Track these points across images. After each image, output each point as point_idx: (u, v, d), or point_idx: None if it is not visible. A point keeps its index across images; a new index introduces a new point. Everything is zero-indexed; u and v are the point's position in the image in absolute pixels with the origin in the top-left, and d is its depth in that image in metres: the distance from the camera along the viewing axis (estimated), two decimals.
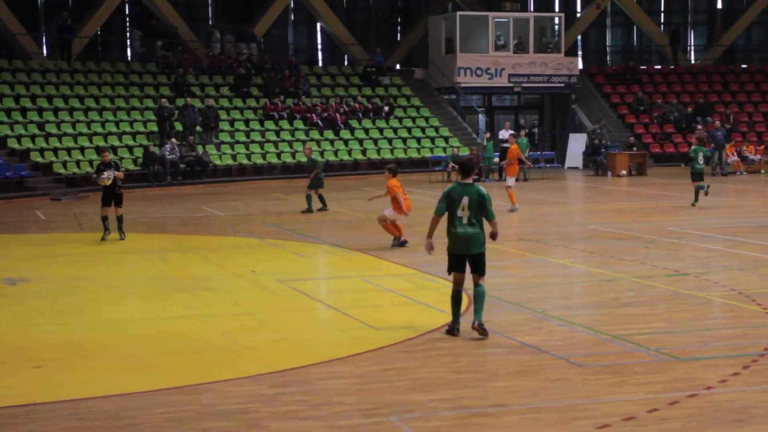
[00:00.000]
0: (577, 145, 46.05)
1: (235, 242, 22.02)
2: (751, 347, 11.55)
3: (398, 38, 52.49)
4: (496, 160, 40.18)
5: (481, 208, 12.07)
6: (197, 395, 9.89)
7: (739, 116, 48.78)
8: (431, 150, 43.40)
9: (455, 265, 12.26)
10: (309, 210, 27.29)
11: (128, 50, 47.10)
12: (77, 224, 25.97)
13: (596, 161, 42.11)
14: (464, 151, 41.02)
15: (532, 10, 52.54)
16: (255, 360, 11.36)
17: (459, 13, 47.73)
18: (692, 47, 56.88)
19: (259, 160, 40.55)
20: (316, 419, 9.09)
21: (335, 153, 42.04)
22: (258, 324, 13.39)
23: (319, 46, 52.34)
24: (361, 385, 10.21)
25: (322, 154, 41.44)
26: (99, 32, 45.41)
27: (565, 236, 22.07)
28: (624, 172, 40.81)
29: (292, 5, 50.46)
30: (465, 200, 12.01)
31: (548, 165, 43.45)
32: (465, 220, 12.03)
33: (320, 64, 50.70)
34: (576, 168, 45.33)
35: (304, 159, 40.56)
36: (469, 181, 12.23)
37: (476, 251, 12.11)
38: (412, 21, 52.04)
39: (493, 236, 12.44)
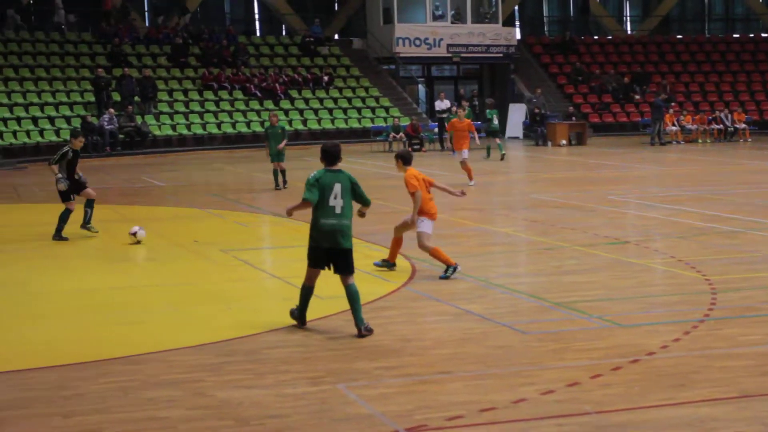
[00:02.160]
0: (517, 115, 46.28)
1: (177, 213, 21.88)
2: (691, 314, 11.70)
3: (336, 8, 52.27)
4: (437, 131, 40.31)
5: (356, 195, 11.07)
6: (142, 365, 9.83)
7: (676, 86, 49.27)
8: (372, 120, 43.38)
9: (316, 261, 11.05)
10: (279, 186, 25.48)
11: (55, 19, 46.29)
12: (16, 195, 25.65)
13: (537, 131, 42.32)
14: (405, 121, 41.05)
15: None
16: (199, 330, 11.31)
17: None
18: (628, 18, 57.28)
19: (199, 131, 40.30)
20: (262, 387, 9.09)
21: None
22: (202, 294, 13.34)
23: (257, 17, 51.99)
24: (307, 353, 10.22)
25: (262, 124, 41.31)
26: (31, 1, 44.67)
27: (508, 205, 22.20)
28: (564, 141, 41.10)
29: None
30: (337, 187, 10.89)
31: (482, 135, 43.49)
32: (338, 210, 10.89)
33: (258, 34, 50.37)
34: (516, 138, 45.55)
35: (244, 129, 40.60)
36: (336, 168, 11.04)
37: (346, 246, 10.96)
38: None
39: (361, 214, 11.52)
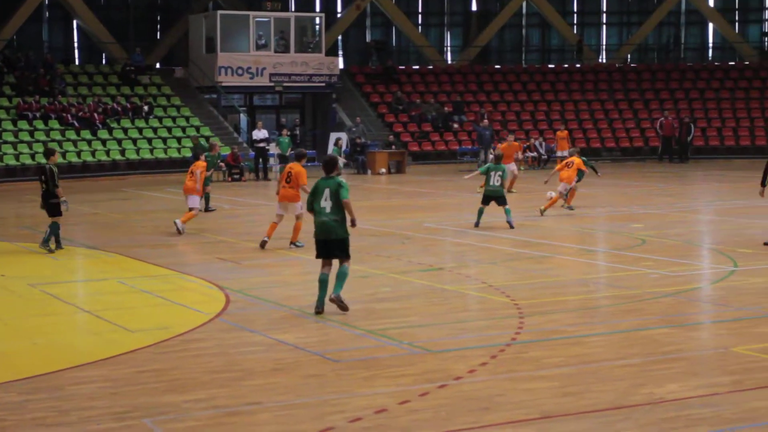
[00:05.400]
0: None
1: None
2: (499, 338, 11.97)
3: (158, 37, 51.73)
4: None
5: (339, 195, 13.31)
6: None
7: (493, 115, 50.36)
8: (191, 150, 42.91)
9: (319, 251, 13.53)
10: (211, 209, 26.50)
11: None
12: None
13: (357, 160, 42.65)
14: (225, 151, 40.78)
15: (293, 10, 52.72)
16: (2, 367, 10.98)
17: (219, 12, 47.43)
18: (449, 48, 58.36)
19: (12, 162, 39.19)
20: (66, 425, 8.88)
21: (92, 153, 41.05)
22: (7, 330, 12.96)
23: (76, 45, 51.02)
24: (114, 388, 10.03)
25: (78, 154, 40.43)
26: None
27: None
28: (383, 170, 41.50)
29: (46, 2, 48.94)
30: (326, 192, 13.41)
31: (309, 164, 43.60)
32: (328, 209, 13.34)
33: (77, 62, 49.41)
34: None
35: (60, 160, 39.67)
36: (331, 176, 13.61)
37: (336, 237, 13.34)
38: (172, 19, 51.39)
39: (353, 223, 13.56)
